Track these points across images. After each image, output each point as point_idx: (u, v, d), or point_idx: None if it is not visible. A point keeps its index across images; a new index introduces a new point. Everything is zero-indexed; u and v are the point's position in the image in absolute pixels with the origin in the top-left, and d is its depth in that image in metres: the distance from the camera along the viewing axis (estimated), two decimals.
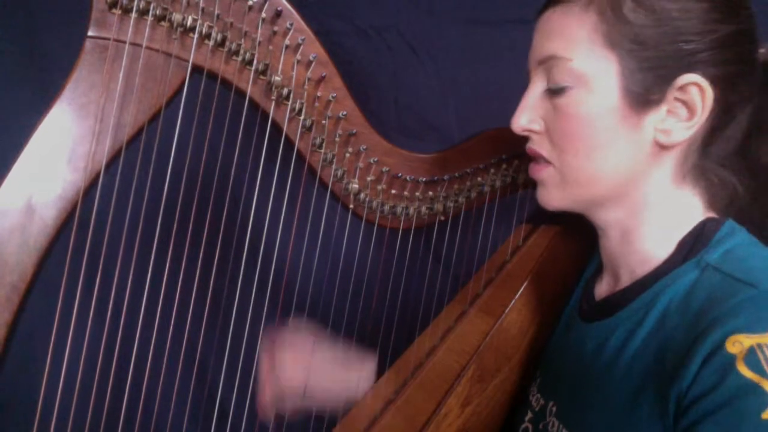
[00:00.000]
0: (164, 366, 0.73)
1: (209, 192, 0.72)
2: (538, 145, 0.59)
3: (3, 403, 0.95)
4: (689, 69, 0.51)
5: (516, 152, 0.73)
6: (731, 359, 0.42)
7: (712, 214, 0.56)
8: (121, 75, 0.57)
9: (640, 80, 0.52)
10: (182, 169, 0.65)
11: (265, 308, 0.75)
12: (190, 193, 0.69)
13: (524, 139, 0.62)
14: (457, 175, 0.73)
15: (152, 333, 0.64)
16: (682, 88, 0.52)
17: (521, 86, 0.61)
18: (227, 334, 0.72)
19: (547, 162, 0.59)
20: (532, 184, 0.75)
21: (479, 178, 0.74)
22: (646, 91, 0.52)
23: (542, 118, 0.58)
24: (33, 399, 0.57)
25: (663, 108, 0.53)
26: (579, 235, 0.71)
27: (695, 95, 0.52)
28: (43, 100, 0.58)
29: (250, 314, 0.71)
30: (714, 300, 0.47)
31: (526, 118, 0.59)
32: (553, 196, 0.60)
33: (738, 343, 0.43)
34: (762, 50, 0.56)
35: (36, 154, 0.56)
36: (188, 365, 0.98)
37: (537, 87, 0.58)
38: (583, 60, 0.53)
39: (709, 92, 0.51)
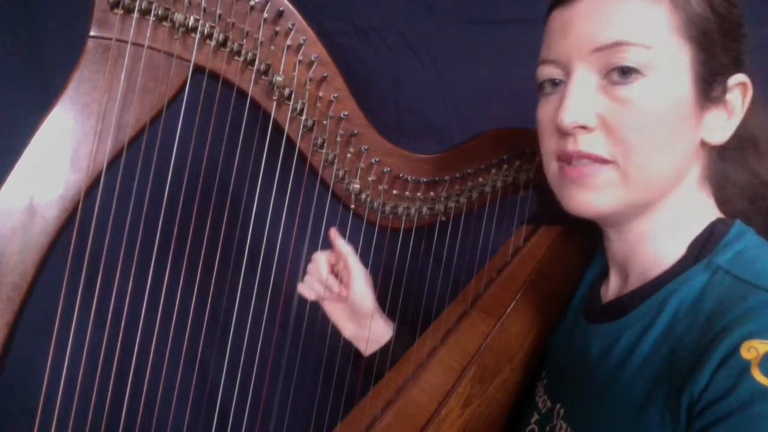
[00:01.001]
0: (165, 365, 0.73)
1: (211, 191, 0.72)
2: (589, 145, 0.52)
3: (3, 403, 0.95)
4: (739, 69, 0.53)
5: (517, 153, 0.73)
6: (746, 365, 0.42)
7: (720, 215, 0.56)
8: (122, 75, 0.57)
9: (706, 75, 0.51)
10: (184, 169, 0.65)
11: (266, 308, 0.75)
12: (192, 191, 0.69)
13: (526, 140, 0.61)
14: (458, 175, 0.73)
15: (153, 332, 0.64)
16: (729, 88, 0.52)
17: (521, 86, 0.61)
18: (228, 333, 0.72)
19: (605, 162, 0.53)
20: (533, 185, 0.75)
21: (480, 179, 0.74)
22: (710, 87, 0.52)
23: (597, 113, 0.52)
24: (34, 399, 0.57)
25: (717, 106, 0.53)
26: (580, 236, 0.71)
27: (738, 95, 0.53)
28: (44, 100, 0.58)
29: (251, 314, 0.70)
30: (726, 304, 0.47)
31: (580, 112, 0.52)
32: (608, 200, 0.53)
33: (753, 349, 0.42)
34: None
35: (38, 154, 0.56)
36: (189, 365, 0.98)
37: (588, 77, 0.52)
38: (660, 48, 0.50)
39: (751, 93, 0.53)
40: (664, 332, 0.51)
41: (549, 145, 0.57)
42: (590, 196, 0.54)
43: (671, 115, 0.51)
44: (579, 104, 0.52)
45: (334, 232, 0.78)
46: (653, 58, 0.50)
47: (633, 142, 0.51)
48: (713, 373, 0.44)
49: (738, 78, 0.52)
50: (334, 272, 0.80)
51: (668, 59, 0.50)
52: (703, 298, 0.50)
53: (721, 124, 0.53)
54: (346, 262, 0.78)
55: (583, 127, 0.52)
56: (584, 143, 0.53)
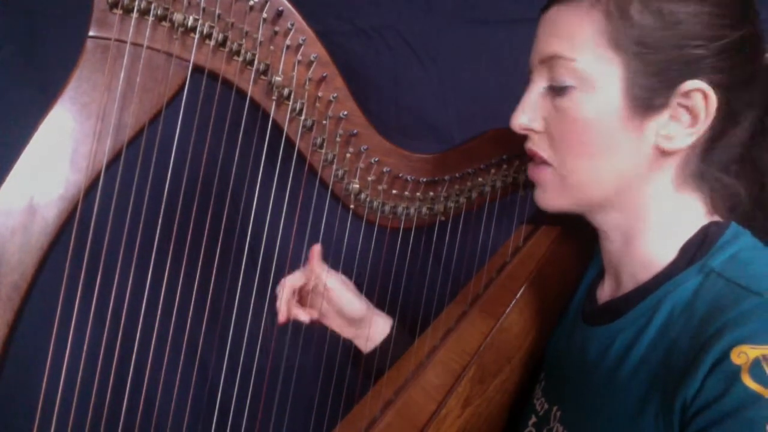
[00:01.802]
0: (165, 364, 0.73)
1: (210, 191, 0.72)
2: (536, 146, 0.59)
3: (3, 403, 0.95)
4: (694, 75, 0.50)
5: (517, 152, 0.73)
6: (736, 370, 0.42)
7: (715, 219, 0.56)
8: (122, 75, 0.57)
9: (644, 84, 0.51)
10: (183, 169, 0.65)
11: (266, 306, 0.75)
12: (191, 192, 0.69)
13: (526, 140, 0.61)
14: (457, 175, 0.73)
15: (153, 332, 0.64)
16: (686, 94, 0.51)
17: (521, 86, 0.61)
18: (228, 332, 0.72)
19: (546, 163, 0.58)
20: (532, 185, 0.75)
21: (480, 179, 0.74)
22: (649, 95, 0.51)
23: (543, 118, 0.57)
24: (33, 398, 0.57)
25: (666, 113, 0.52)
26: (580, 236, 0.71)
27: (699, 101, 0.51)
28: (43, 100, 0.58)
29: (250, 313, 0.71)
30: (718, 307, 0.47)
31: (527, 116, 0.58)
32: (551, 198, 0.59)
33: (743, 354, 0.42)
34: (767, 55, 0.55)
35: (37, 154, 0.56)
36: (189, 363, 0.98)
37: (538, 86, 0.57)
38: (587, 61, 0.52)
39: (713, 99, 0.50)
40: (658, 334, 0.51)
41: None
42: (540, 193, 0.61)
43: (600, 124, 0.53)
44: (526, 109, 0.58)
45: (315, 252, 0.74)
46: (581, 70, 0.52)
47: (563, 147, 0.56)
48: (705, 377, 0.44)
49: (692, 84, 0.50)
50: (305, 293, 0.77)
51: (597, 71, 0.52)
52: (696, 301, 0.50)
53: (681, 131, 0.52)
54: (319, 278, 0.75)
55: (532, 130, 0.58)
56: (534, 143, 0.59)
